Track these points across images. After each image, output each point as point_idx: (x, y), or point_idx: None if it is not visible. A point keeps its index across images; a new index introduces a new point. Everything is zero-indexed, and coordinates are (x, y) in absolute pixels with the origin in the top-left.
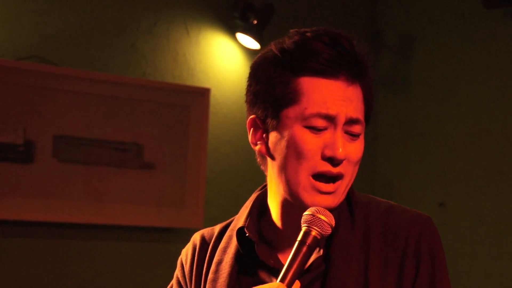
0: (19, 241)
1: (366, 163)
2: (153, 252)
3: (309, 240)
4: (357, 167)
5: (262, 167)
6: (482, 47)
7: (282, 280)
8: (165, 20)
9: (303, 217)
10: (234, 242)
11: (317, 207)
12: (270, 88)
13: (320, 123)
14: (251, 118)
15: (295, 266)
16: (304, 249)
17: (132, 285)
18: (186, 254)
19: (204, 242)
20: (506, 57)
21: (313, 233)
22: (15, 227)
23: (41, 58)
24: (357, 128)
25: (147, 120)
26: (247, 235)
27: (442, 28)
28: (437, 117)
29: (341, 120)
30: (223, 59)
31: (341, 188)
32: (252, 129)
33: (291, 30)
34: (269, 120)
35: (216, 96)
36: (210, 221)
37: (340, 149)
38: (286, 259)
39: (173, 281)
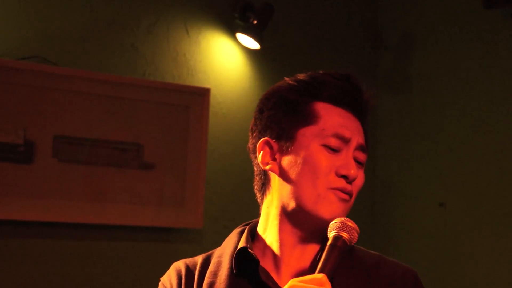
0: (19, 242)
1: (366, 163)
2: (153, 252)
3: (339, 243)
4: (355, 196)
5: (259, 194)
6: (482, 47)
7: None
8: (165, 20)
9: (330, 226)
10: (225, 266)
11: (344, 218)
12: (288, 109)
13: (336, 143)
14: (263, 140)
15: (328, 266)
16: (336, 251)
17: (131, 285)
18: (169, 280)
19: (188, 269)
20: (507, 56)
21: (344, 236)
22: (15, 227)
23: (41, 58)
24: (363, 157)
25: (147, 120)
26: (251, 252)
27: (442, 28)
28: (437, 117)
29: (354, 143)
30: (223, 59)
31: (349, 204)
32: (263, 151)
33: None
34: (283, 141)
35: (216, 96)
36: (210, 220)
37: (353, 171)
38: (284, 285)
39: None
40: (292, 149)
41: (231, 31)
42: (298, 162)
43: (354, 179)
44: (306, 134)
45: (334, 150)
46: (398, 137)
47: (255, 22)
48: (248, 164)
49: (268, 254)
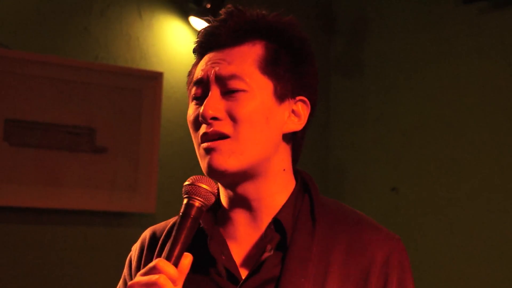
0: None
1: (318, 148)
2: (105, 236)
3: (193, 212)
4: (252, 127)
5: None
6: (435, 32)
7: (168, 258)
8: (118, 4)
9: (183, 188)
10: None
11: (198, 176)
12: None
13: (196, 91)
14: None
15: (179, 244)
16: (188, 223)
17: (83, 269)
18: (134, 250)
19: (154, 236)
20: (460, 42)
21: (197, 204)
22: None
23: None
24: (233, 84)
25: (100, 104)
26: (201, 226)
27: (396, 13)
28: (390, 102)
29: (211, 79)
30: (176, 43)
31: (226, 147)
32: None
33: None
34: None
35: (169, 80)
36: (163, 205)
37: (203, 108)
38: (240, 251)
39: (120, 283)
40: None
41: (185, 14)
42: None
43: (207, 118)
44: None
45: (198, 98)
46: (351, 122)
47: (208, 5)
48: None
49: (225, 215)
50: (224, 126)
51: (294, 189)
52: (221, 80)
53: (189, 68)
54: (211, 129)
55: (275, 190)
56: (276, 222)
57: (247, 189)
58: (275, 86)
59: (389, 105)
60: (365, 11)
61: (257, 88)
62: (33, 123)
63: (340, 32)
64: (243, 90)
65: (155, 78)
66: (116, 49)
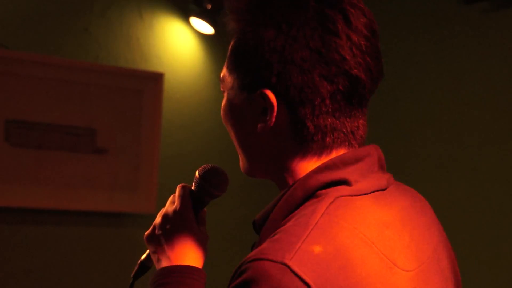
0: None
1: None
2: (105, 237)
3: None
4: (233, 127)
5: None
6: (437, 32)
7: None
8: (118, 4)
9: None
10: None
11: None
12: None
13: None
14: None
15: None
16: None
17: (84, 270)
18: None
19: None
20: (460, 43)
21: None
22: None
23: None
24: (221, 87)
25: (101, 105)
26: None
27: (397, 13)
28: (390, 102)
29: None
30: (177, 43)
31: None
32: None
33: None
34: None
35: (170, 81)
36: (163, 206)
37: None
38: None
39: None
40: None
41: (185, 15)
42: None
43: None
44: None
45: None
46: None
47: (209, 6)
48: (201, 149)
49: None
50: None
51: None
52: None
53: (190, 68)
54: None
55: None
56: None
57: None
58: (228, 83)
59: (389, 105)
60: None
61: (227, 87)
62: (33, 123)
63: None
64: (223, 91)
65: (156, 79)
66: (116, 49)
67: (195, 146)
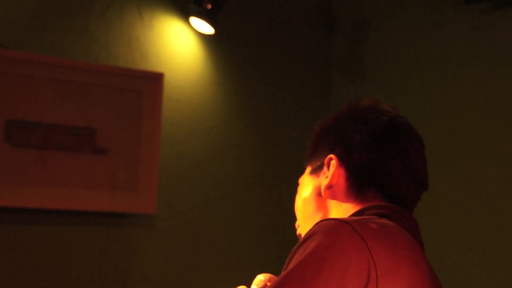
0: None
1: None
2: (105, 237)
3: None
4: (302, 214)
5: None
6: (436, 32)
7: None
8: (118, 4)
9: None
10: None
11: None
12: None
13: None
14: None
15: None
16: None
17: (84, 270)
18: None
19: None
20: (462, 42)
21: None
22: None
23: None
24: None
25: (100, 105)
26: None
27: (397, 13)
28: (390, 103)
29: None
30: (177, 43)
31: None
32: None
33: None
34: None
35: (169, 81)
36: (163, 206)
37: None
38: None
39: None
40: None
41: (185, 15)
42: None
43: None
44: None
45: None
46: None
47: (209, 6)
48: (201, 149)
49: None
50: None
51: None
52: None
53: (190, 69)
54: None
55: None
56: None
57: None
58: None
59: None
60: (365, 11)
61: (303, 180)
62: (33, 123)
63: (340, 32)
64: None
65: (156, 79)
66: (116, 49)
67: (195, 146)
